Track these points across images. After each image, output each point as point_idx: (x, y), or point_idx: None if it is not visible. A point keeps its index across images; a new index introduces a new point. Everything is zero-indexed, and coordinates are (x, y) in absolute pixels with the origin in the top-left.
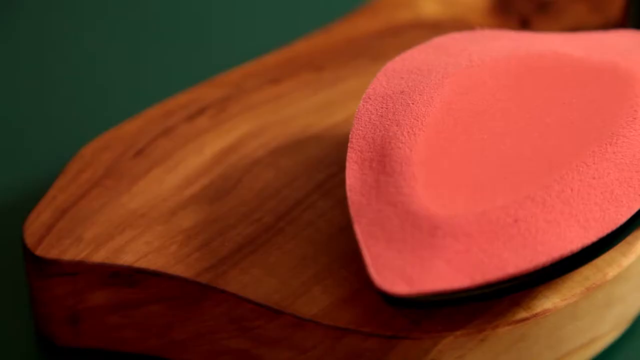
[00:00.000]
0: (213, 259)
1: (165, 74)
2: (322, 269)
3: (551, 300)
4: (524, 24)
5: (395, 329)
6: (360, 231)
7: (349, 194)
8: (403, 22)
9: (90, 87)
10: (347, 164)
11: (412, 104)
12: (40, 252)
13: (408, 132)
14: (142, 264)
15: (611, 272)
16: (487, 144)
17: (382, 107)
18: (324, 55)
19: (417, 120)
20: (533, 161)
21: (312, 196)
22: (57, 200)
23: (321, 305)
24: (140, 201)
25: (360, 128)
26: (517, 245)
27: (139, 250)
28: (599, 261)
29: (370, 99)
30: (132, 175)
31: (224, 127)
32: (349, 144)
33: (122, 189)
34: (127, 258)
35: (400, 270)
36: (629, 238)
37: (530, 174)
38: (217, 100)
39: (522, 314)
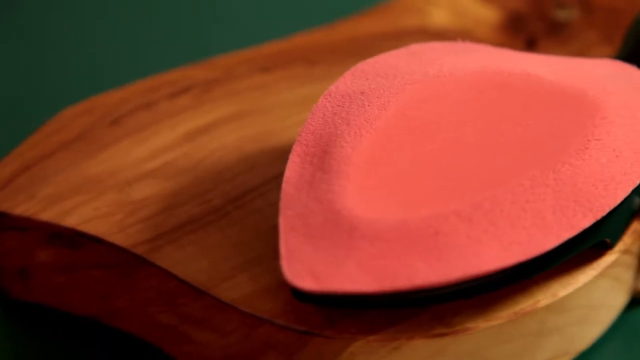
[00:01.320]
0: (153, 232)
1: (167, 53)
2: (255, 256)
3: (474, 320)
4: (530, 44)
5: (309, 325)
6: (283, 223)
7: (284, 185)
8: (409, 28)
9: (92, 62)
10: (290, 156)
11: (368, 105)
12: None
13: (355, 132)
14: (85, 227)
15: (544, 301)
16: (432, 154)
17: (338, 105)
18: (320, 51)
19: (368, 123)
20: (471, 177)
21: (267, 185)
22: (23, 157)
23: (243, 291)
24: (102, 168)
25: (312, 123)
26: (432, 258)
27: (85, 215)
28: (534, 288)
29: (330, 95)
30: (102, 142)
31: (203, 108)
32: (297, 137)
33: (89, 154)
34: (72, 220)
35: (311, 266)
36: (573, 271)
37: (464, 189)
38: (204, 82)
39: (441, 329)
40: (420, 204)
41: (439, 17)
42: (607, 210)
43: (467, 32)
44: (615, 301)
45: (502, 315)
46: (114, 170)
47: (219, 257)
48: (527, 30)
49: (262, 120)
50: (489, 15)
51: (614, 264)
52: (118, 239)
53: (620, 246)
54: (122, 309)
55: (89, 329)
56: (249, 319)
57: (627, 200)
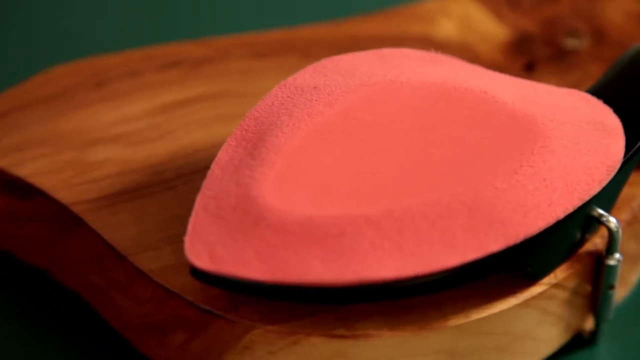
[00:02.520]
0: (95, 194)
1: (173, 27)
2: (184, 232)
3: (378, 327)
4: (529, 68)
5: (213, 306)
6: (199, 201)
7: (212, 165)
8: (412, 35)
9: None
10: (228, 139)
11: (315, 100)
12: None
13: (294, 124)
14: (33, 179)
15: (454, 321)
16: (362, 156)
17: (288, 96)
18: (318, 45)
19: (309, 117)
20: (393, 184)
21: None
22: (0, 105)
23: (163, 263)
24: (71, 126)
25: (258, 109)
26: (330, 257)
27: (39, 168)
28: (449, 307)
29: (285, 86)
30: (79, 102)
31: (187, 84)
32: (241, 121)
33: (63, 111)
34: (23, 171)
35: (211, 246)
36: (494, 296)
37: (381, 195)
38: (196, 59)
39: (341, 331)
40: (333, 203)
41: (446, 28)
42: (521, 237)
43: (469, 47)
44: (545, 335)
45: (407, 328)
46: (82, 130)
47: (149, 227)
48: (531, 53)
49: (240, 103)
50: (497, 33)
51: (541, 296)
52: (61, 195)
53: (550, 279)
54: (64, 265)
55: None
56: (160, 290)
57: (555, 231)
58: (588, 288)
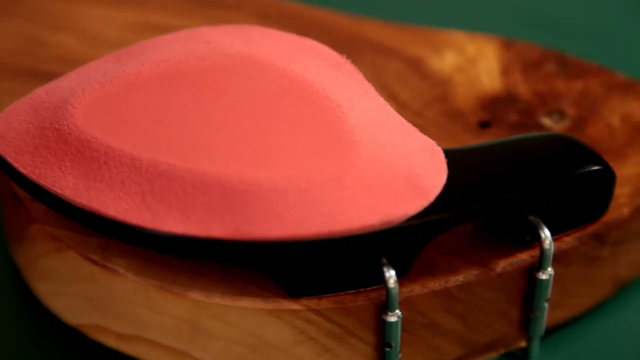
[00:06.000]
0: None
1: None
2: None
3: (131, 268)
4: (483, 125)
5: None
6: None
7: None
8: (406, 54)
9: None
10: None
11: (129, 61)
12: None
13: (123, 71)
14: None
15: (193, 295)
16: (155, 109)
17: (117, 57)
18: (316, 30)
19: (119, 73)
20: (175, 143)
21: None
22: None
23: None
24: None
25: (94, 62)
26: (85, 177)
27: None
28: (199, 281)
29: (121, 51)
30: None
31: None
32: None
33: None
34: None
35: (5, 128)
36: (247, 293)
37: (162, 145)
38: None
39: (96, 257)
40: (123, 138)
41: (444, 61)
42: (251, 238)
43: (448, 84)
44: (301, 353)
45: (152, 282)
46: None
47: None
48: (498, 115)
49: None
50: (486, 85)
51: (294, 314)
52: None
53: (311, 303)
54: None
55: None
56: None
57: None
58: (369, 337)
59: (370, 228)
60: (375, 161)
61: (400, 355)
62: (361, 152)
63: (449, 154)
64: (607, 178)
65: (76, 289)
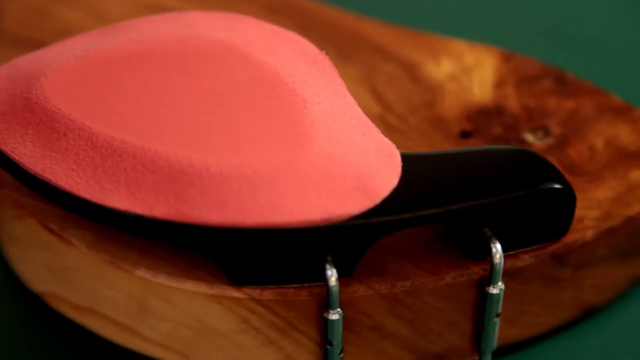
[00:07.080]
0: None
1: None
2: None
3: (85, 240)
4: (464, 135)
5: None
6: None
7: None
8: (403, 58)
9: None
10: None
11: (111, 37)
12: None
13: (78, 54)
14: None
15: (140, 273)
16: (124, 87)
17: (102, 33)
18: (318, 26)
19: (97, 48)
20: (135, 121)
21: None
22: None
23: None
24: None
25: (81, 35)
26: (43, 147)
27: None
28: (149, 257)
29: (107, 28)
30: None
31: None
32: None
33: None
34: None
35: None
36: (194, 277)
37: (122, 123)
38: None
39: (54, 227)
40: (87, 112)
41: (440, 68)
42: (195, 221)
43: (438, 90)
44: (244, 342)
45: (102, 257)
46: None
47: None
48: (482, 126)
49: None
50: (476, 96)
51: (236, 302)
52: None
53: (254, 293)
54: None
55: None
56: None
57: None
58: (313, 333)
59: (311, 223)
60: (326, 158)
61: (342, 355)
62: (314, 148)
63: (408, 159)
64: (567, 198)
65: (37, 256)
